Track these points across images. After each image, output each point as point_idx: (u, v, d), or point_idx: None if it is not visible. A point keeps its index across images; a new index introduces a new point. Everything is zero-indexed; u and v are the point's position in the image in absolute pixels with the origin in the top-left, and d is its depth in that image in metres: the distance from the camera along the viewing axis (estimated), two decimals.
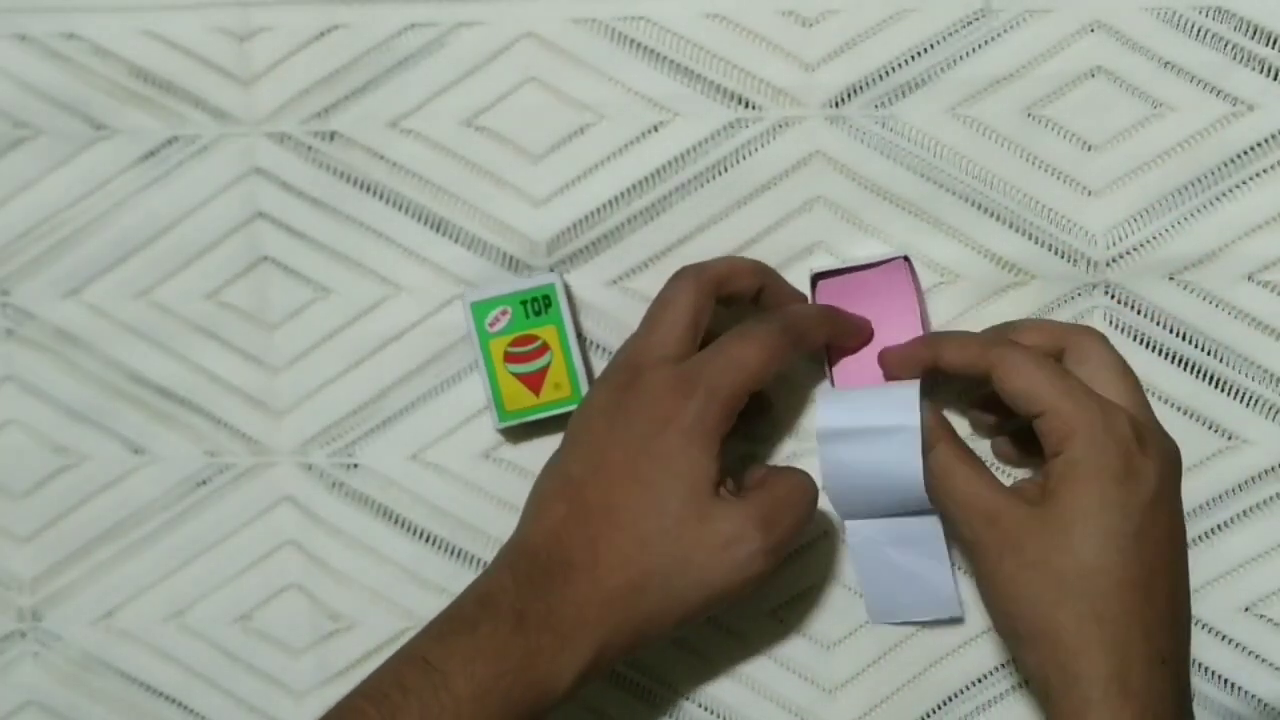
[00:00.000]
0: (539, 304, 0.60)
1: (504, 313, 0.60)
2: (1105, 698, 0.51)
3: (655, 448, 0.54)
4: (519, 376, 0.61)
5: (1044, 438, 0.54)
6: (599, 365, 0.63)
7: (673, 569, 0.54)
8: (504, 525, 0.63)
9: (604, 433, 0.56)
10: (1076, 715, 0.52)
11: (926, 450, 0.56)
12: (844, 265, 0.61)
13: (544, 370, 0.61)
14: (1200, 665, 0.62)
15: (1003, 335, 0.57)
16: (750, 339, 0.55)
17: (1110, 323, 0.61)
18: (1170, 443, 0.56)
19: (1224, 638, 0.62)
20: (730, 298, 0.59)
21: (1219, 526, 0.62)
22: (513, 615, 0.53)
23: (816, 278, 0.61)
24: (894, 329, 0.61)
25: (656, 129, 0.62)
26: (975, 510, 0.54)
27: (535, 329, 0.61)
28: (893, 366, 0.59)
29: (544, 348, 0.61)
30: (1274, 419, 0.61)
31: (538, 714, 0.53)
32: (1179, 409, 0.61)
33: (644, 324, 0.58)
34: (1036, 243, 0.61)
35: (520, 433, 0.63)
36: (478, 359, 0.61)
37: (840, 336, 0.60)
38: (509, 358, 0.61)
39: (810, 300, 0.61)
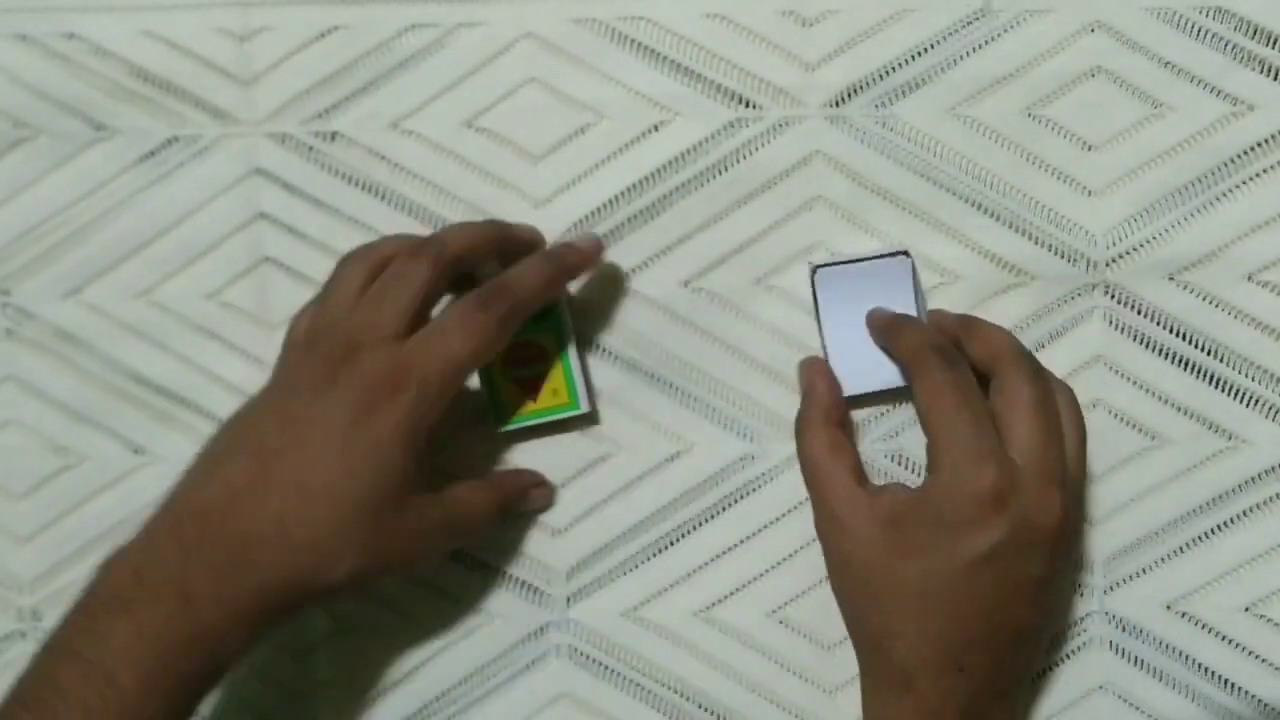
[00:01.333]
0: (540, 312, 0.59)
1: None
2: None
3: (363, 435, 0.52)
4: (517, 382, 0.61)
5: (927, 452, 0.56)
6: (595, 364, 0.63)
7: (365, 554, 0.53)
8: (505, 524, 0.63)
9: (308, 405, 0.53)
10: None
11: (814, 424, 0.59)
12: (844, 258, 0.60)
13: (541, 376, 0.61)
14: (1200, 665, 0.62)
15: (950, 334, 0.59)
16: (458, 331, 0.54)
17: (1110, 323, 0.61)
18: (1050, 515, 0.54)
19: (1224, 638, 0.62)
20: (466, 274, 0.59)
21: (1219, 526, 0.62)
22: (175, 590, 0.50)
23: (816, 269, 0.60)
24: None
25: (657, 129, 0.62)
26: (838, 498, 0.57)
27: (534, 336, 0.60)
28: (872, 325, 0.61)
29: (542, 353, 0.61)
30: (1274, 419, 0.61)
31: (211, 685, 0.52)
32: (1179, 409, 0.62)
33: (372, 295, 0.55)
34: (1036, 243, 0.61)
35: (518, 435, 0.63)
36: None
37: (560, 277, 0.59)
38: (507, 362, 0.61)
39: (811, 294, 0.61)
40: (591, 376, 0.63)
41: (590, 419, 0.63)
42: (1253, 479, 0.62)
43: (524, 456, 0.64)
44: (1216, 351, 0.61)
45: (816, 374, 0.60)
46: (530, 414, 0.61)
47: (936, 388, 0.55)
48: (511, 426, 0.61)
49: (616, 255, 0.63)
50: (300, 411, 0.53)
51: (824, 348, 0.61)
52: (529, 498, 0.63)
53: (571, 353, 0.61)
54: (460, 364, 0.54)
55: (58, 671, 0.49)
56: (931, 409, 0.55)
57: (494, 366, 0.60)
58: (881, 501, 0.56)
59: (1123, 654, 0.62)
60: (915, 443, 0.61)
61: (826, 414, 0.59)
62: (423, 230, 0.62)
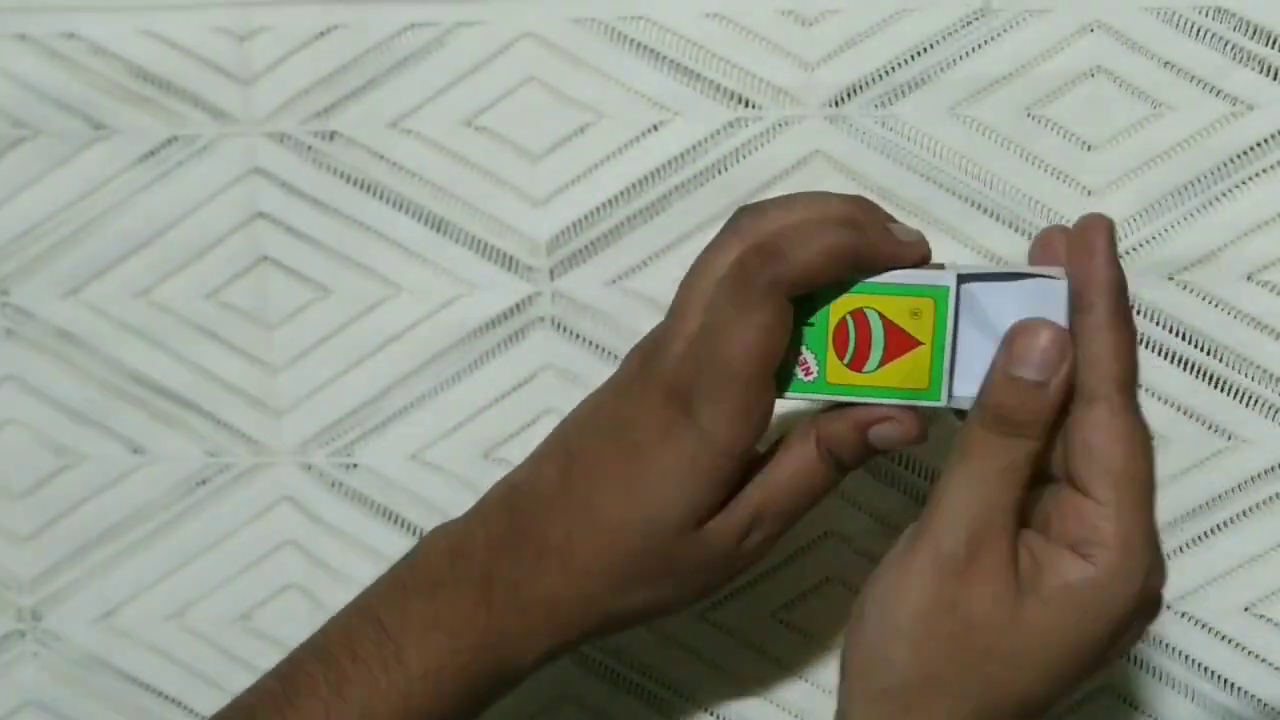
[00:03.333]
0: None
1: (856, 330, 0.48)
2: None
3: (654, 457, 0.47)
4: (885, 361, 0.48)
5: (1065, 516, 0.45)
6: (595, 364, 0.63)
7: (661, 579, 0.49)
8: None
9: (618, 402, 0.49)
10: None
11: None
12: (989, 270, 0.48)
13: (888, 327, 0.47)
14: (1199, 665, 0.62)
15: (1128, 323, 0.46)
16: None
17: None
18: (1157, 608, 0.46)
19: (1223, 637, 0.62)
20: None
21: (1218, 526, 0.62)
22: (479, 581, 0.49)
23: (961, 280, 0.48)
24: None
25: (656, 128, 0.62)
26: (975, 531, 0.44)
27: (829, 322, 0.48)
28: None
29: (859, 315, 0.47)
30: (1273, 419, 0.61)
31: (496, 695, 0.50)
32: (1179, 409, 0.61)
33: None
34: None
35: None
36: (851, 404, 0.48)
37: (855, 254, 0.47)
38: (855, 365, 0.48)
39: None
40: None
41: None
42: (1252, 479, 0.62)
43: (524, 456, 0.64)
44: (1216, 351, 0.61)
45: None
46: (937, 351, 0.47)
47: (1134, 439, 0.44)
48: (944, 382, 0.47)
49: (616, 255, 0.63)
50: (610, 407, 0.50)
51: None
52: (872, 437, 0.48)
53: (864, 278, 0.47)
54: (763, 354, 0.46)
55: (356, 633, 0.49)
56: (1116, 456, 0.44)
57: (854, 385, 0.48)
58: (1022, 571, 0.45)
59: (1123, 654, 0.62)
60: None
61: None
62: (423, 229, 0.62)
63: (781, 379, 0.47)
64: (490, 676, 0.49)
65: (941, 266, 0.48)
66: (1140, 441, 0.44)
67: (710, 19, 0.61)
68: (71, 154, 0.63)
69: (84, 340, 0.64)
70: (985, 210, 0.61)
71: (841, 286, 0.47)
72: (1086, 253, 0.45)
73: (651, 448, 0.47)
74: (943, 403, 0.47)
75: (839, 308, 0.47)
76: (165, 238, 0.63)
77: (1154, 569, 0.44)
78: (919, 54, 0.61)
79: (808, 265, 0.45)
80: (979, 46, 0.61)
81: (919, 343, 0.47)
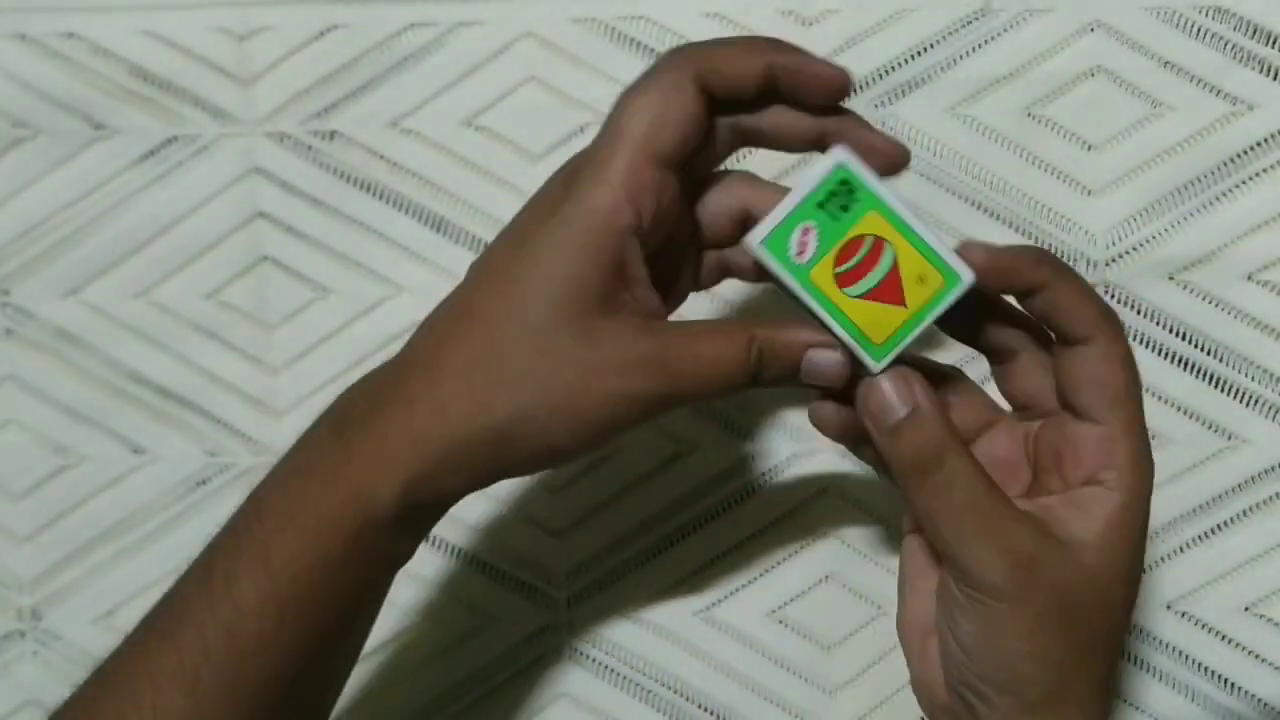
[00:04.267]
0: (843, 194, 0.45)
1: (805, 231, 0.45)
2: None
3: (534, 238, 0.45)
4: (868, 295, 0.45)
5: (1080, 454, 0.46)
6: None
7: (528, 384, 0.44)
8: (505, 525, 0.63)
9: (521, 212, 0.47)
10: None
11: (926, 464, 0.45)
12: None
13: (894, 270, 0.45)
14: (1200, 665, 0.62)
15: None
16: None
17: None
18: None
19: (1224, 637, 0.62)
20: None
21: (1219, 526, 0.62)
22: (337, 419, 0.46)
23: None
24: None
25: None
26: (1005, 555, 0.44)
27: (853, 229, 0.45)
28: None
29: (878, 245, 0.45)
30: (1274, 419, 0.61)
31: (367, 538, 0.45)
32: (1179, 409, 0.61)
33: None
34: (1036, 242, 0.61)
35: None
36: (804, 306, 0.45)
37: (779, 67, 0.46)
38: (843, 279, 0.45)
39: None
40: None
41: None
42: (1252, 478, 0.62)
43: None
44: (1216, 351, 0.61)
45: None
46: (910, 322, 0.45)
47: (1131, 364, 0.46)
48: (895, 352, 0.45)
49: None
50: (500, 233, 0.47)
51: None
52: (805, 359, 0.46)
53: (911, 219, 0.45)
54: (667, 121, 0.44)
55: (236, 512, 0.46)
56: (1130, 373, 0.45)
57: (829, 295, 0.45)
58: (1055, 525, 0.45)
59: (1123, 654, 0.62)
60: None
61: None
62: (423, 229, 0.62)
63: (774, 241, 0.45)
64: (347, 512, 0.44)
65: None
66: (1134, 367, 0.46)
67: (710, 19, 0.61)
68: (72, 154, 0.63)
69: (84, 340, 0.64)
70: (985, 210, 0.61)
71: (879, 208, 0.45)
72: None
73: (533, 231, 0.45)
74: (875, 369, 0.45)
75: (866, 224, 0.45)
76: (165, 237, 0.63)
77: (1151, 471, 0.46)
78: (919, 54, 0.61)
79: (723, 53, 0.45)
80: (979, 46, 0.61)
81: (904, 304, 0.45)
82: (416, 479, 0.45)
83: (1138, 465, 0.45)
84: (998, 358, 0.49)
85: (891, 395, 0.45)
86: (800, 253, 0.45)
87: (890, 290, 0.45)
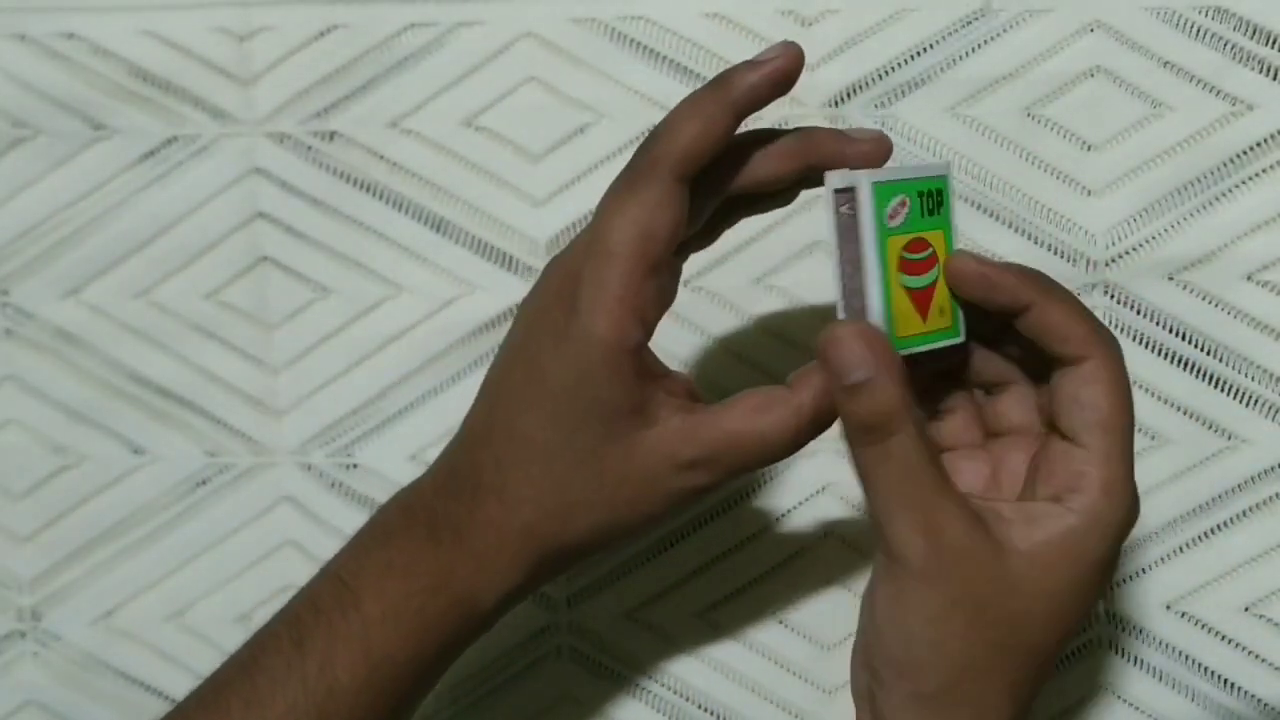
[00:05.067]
0: (933, 200, 0.46)
1: (903, 204, 0.45)
2: None
3: (553, 367, 0.46)
4: (912, 292, 0.45)
5: (1052, 470, 0.45)
6: None
7: (596, 502, 0.47)
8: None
9: (524, 314, 0.49)
10: None
11: (880, 434, 0.44)
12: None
13: (931, 288, 0.46)
14: (1200, 665, 0.62)
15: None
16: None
17: (1110, 322, 0.61)
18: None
19: (1224, 638, 0.62)
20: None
21: (1219, 526, 0.62)
22: (426, 524, 0.48)
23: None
24: None
25: None
26: (926, 532, 0.43)
27: (927, 232, 0.46)
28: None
29: (933, 258, 0.46)
30: (1274, 419, 0.61)
31: (463, 636, 0.49)
32: (1179, 409, 0.61)
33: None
34: (1036, 243, 0.61)
35: None
36: (862, 260, 0.45)
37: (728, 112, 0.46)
38: (905, 265, 0.45)
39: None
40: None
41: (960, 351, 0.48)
42: (1253, 479, 0.62)
43: None
44: (1216, 351, 0.61)
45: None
46: (919, 338, 0.46)
47: (1122, 389, 0.45)
48: (903, 351, 0.45)
49: None
50: (513, 333, 0.49)
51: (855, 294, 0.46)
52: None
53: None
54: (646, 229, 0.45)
55: (319, 590, 0.49)
56: (1102, 405, 0.44)
57: (890, 267, 0.45)
58: (1004, 522, 0.45)
59: (1123, 654, 0.62)
60: None
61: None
62: (422, 229, 0.62)
63: (881, 192, 0.45)
64: (449, 616, 0.48)
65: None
66: (1124, 392, 0.45)
67: (710, 19, 0.61)
68: (71, 154, 0.63)
69: (84, 340, 0.64)
70: (986, 210, 0.61)
71: (946, 231, 0.46)
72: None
73: (548, 358, 0.46)
74: (963, 337, 0.47)
75: (935, 237, 0.46)
76: (165, 238, 0.63)
77: (1133, 509, 0.45)
78: (919, 54, 0.61)
79: (692, 140, 0.45)
80: (979, 46, 0.61)
81: (925, 321, 0.46)
82: (513, 590, 0.48)
83: (1108, 494, 0.44)
84: (986, 390, 0.49)
85: (851, 356, 0.43)
86: (892, 217, 0.45)
87: (924, 302, 0.46)
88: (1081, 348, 0.44)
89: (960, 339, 0.46)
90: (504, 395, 0.48)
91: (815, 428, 0.47)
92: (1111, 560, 0.45)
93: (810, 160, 0.48)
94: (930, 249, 0.45)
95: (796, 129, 0.48)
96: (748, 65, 0.47)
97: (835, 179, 0.45)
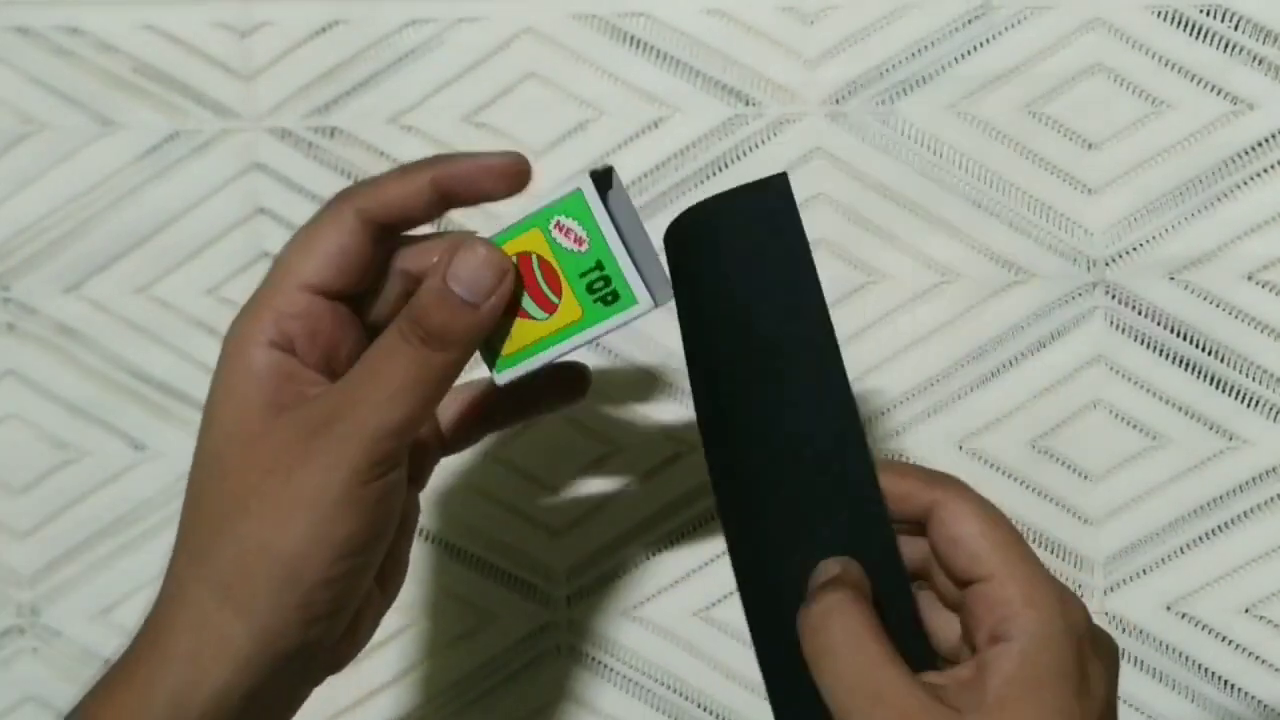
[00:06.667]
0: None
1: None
2: None
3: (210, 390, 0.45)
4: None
5: (975, 614, 0.42)
6: (595, 362, 0.63)
7: (233, 511, 0.43)
8: (505, 524, 0.63)
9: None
10: None
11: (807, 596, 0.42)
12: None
13: (549, 287, 0.45)
14: (1200, 667, 0.62)
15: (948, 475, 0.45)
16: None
17: (1110, 322, 0.61)
18: (1107, 636, 0.44)
19: (1224, 639, 0.62)
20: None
21: (1219, 527, 0.62)
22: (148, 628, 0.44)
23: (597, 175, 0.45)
24: None
25: (656, 125, 0.62)
26: (880, 709, 0.40)
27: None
28: None
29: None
30: (1274, 419, 0.61)
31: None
32: (1179, 409, 0.61)
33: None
34: (1036, 241, 0.61)
35: (522, 432, 0.63)
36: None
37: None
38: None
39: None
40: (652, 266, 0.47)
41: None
42: (1253, 479, 0.62)
43: (527, 456, 0.63)
44: (1217, 351, 0.61)
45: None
46: (540, 342, 0.45)
47: (979, 516, 0.43)
48: (515, 367, 0.46)
49: None
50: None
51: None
52: (463, 280, 0.44)
53: (605, 227, 0.44)
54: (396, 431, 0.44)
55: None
56: (985, 540, 0.42)
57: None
58: (950, 692, 0.41)
59: (1123, 655, 0.62)
60: (919, 442, 0.61)
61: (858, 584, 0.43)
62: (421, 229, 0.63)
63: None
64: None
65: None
66: (992, 510, 0.43)
67: (710, 15, 0.61)
68: (76, 149, 0.63)
69: (85, 335, 0.64)
70: (986, 208, 0.61)
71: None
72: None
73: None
74: (644, 307, 0.45)
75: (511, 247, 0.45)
76: (166, 233, 0.63)
77: (1068, 603, 0.42)
78: (920, 51, 0.61)
79: (384, 180, 0.45)
80: (980, 44, 0.61)
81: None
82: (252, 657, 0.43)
83: (1033, 605, 0.41)
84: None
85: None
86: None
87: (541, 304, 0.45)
88: (926, 494, 0.43)
89: (638, 305, 0.44)
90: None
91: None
92: (1079, 666, 0.41)
93: (442, 194, 0.46)
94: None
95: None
96: (474, 154, 0.46)
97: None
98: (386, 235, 0.46)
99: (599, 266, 0.44)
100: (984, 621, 0.42)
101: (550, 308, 0.44)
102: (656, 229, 0.62)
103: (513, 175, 0.46)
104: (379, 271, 0.46)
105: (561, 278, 0.44)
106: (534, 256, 0.44)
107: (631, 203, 0.45)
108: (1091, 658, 0.41)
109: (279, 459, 0.43)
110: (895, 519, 0.44)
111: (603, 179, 0.44)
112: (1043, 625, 0.41)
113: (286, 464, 0.43)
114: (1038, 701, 0.40)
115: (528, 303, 0.45)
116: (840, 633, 0.41)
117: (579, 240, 0.44)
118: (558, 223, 0.44)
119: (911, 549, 0.45)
